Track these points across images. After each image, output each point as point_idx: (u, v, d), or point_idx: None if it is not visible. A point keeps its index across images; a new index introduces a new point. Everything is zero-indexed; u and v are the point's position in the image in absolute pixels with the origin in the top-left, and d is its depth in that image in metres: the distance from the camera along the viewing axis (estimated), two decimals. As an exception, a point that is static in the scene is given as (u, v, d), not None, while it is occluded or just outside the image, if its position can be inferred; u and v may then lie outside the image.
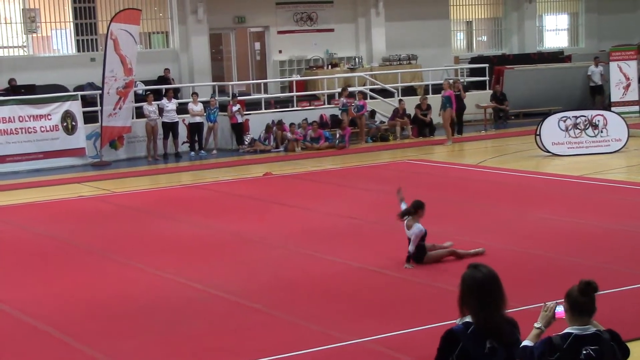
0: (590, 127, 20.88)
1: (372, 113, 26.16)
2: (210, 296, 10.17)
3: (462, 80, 28.62)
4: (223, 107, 24.86)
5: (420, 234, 11.04)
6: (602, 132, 20.87)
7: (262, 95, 26.79)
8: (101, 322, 9.41)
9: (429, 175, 18.88)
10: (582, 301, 4.83)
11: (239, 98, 24.95)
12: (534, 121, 23.28)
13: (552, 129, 20.89)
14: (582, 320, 4.85)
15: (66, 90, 24.69)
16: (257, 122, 24.83)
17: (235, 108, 24.25)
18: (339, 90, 26.15)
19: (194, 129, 24.21)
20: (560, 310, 4.95)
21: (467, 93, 27.21)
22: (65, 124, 22.74)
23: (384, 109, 26.76)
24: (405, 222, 11.24)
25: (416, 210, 11.17)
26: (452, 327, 4.75)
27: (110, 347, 8.61)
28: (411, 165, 20.48)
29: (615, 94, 27.87)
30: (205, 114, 24.28)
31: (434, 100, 25.55)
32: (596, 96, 29.59)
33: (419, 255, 11.14)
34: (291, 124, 24.49)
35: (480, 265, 4.76)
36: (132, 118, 23.82)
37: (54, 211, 16.49)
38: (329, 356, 8.13)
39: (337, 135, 24.58)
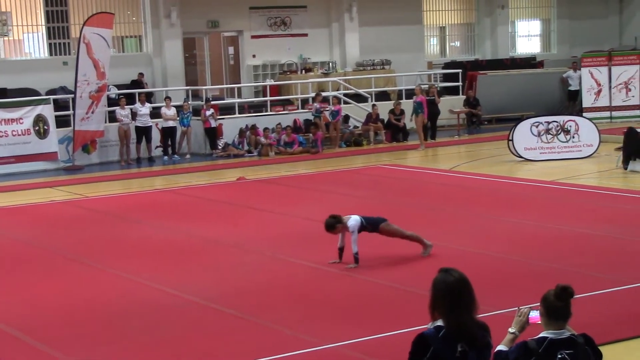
0: (562, 133, 21.03)
1: (346, 118, 26.18)
2: (184, 301, 10.14)
3: (435, 85, 28.68)
4: (196, 112, 24.80)
5: (352, 228, 11.14)
6: (573, 137, 21.01)
7: (236, 100, 26.75)
8: (75, 327, 9.35)
9: (402, 180, 18.93)
10: (558, 306, 4.86)
11: (212, 102, 24.89)
12: (507, 126, 23.40)
13: (524, 134, 21.02)
14: (558, 324, 4.87)
15: (38, 94, 24.54)
16: (231, 127, 24.80)
17: (208, 112, 24.20)
18: (313, 95, 26.17)
19: (167, 133, 24.14)
20: (533, 315, 4.97)
21: (440, 98, 27.29)
22: (37, 128, 22.60)
23: (357, 113, 26.80)
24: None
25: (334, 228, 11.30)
26: (423, 331, 4.76)
27: (85, 353, 8.56)
28: (384, 170, 20.53)
29: (587, 100, 28.09)
30: (178, 118, 24.21)
31: (408, 105, 25.63)
32: (570, 101, 29.83)
33: (374, 226, 11.35)
34: (265, 129, 24.47)
35: (451, 270, 4.79)
36: (105, 122, 23.72)
37: (26, 216, 16.38)
38: (302, 361, 8.13)
39: (310, 140, 24.59)
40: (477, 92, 28.96)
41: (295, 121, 25.46)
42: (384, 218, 11.58)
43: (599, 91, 27.94)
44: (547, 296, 4.91)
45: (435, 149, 24.44)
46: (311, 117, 25.44)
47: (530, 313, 4.98)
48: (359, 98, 27.64)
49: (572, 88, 29.82)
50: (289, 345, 8.47)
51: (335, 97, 26.28)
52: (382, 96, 28.77)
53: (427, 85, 26.74)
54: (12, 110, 22.40)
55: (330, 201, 16.41)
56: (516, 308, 5.14)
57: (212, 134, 24.52)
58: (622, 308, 9.30)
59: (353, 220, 11.23)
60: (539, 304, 4.95)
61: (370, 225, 11.39)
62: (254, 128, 24.58)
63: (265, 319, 9.31)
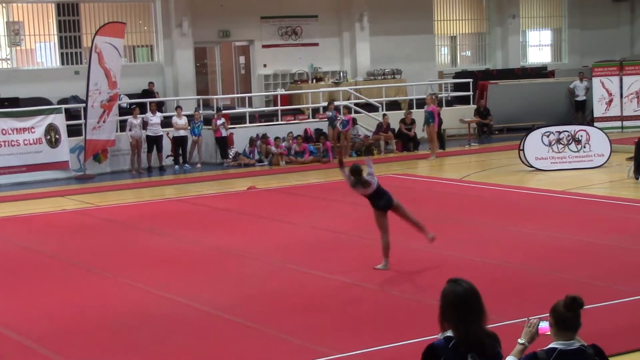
0: (573, 143, 20.99)
1: (354, 121, 26.00)
2: (193, 310, 10.15)
3: (440, 94, 28.61)
4: (207, 121, 24.86)
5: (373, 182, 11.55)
6: (585, 147, 20.97)
7: (247, 109, 26.81)
8: (85, 336, 9.36)
9: (413, 189, 18.89)
10: (567, 316, 4.84)
11: (223, 112, 24.96)
12: (518, 136, 23.37)
13: (535, 144, 20.99)
14: (567, 335, 4.86)
15: (50, 103, 24.63)
16: (242, 136, 24.84)
17: (219, 122, 24.26)
18: (324, 104, 26.19)
19: (178, 143, 24.20)
20: (543, 326, 4.95)
21: (451, 108, 27.31)
22: (48, 137, 22.66)
23: (368, 123, 26.81)
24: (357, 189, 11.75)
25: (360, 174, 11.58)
26: (433, 342, 4.76)
27: (93, 361, 8.58)
28: (395, 179, 20.48)
29: (598, 110, 28.04)
30: (189, 128, 24.27)
31: (418, 115, 25.63)
32: (579, 111, 29.77)
33: (386, 204, 11.66)
34: (276, 138, 24.50)
35: (460, 280, 4.79)
36: (116, 131, 23.79)
37: (37, 225, 16.43)
38: (312, 371, 8.13)
39: (321, 149, 24.61)
40: (488, 102, 28.94)
41: (306, 130, 25.49)
42: (391, 202, 11.73)
43: (610, 101, 27.90)
44: (557, 307, 4.89)
45: (446, 159, 24.40)
46: (321, 127, 25.44)
47: (540, 324, 4.96)
48: (369, 107, 27.66)
49: (578, 98, 29.75)
50: (299, 355, 8.47)
51: (345, 106, 26.30)
52: (393, 106, 28.80)
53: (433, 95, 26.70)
54: (23, 120, 22.46)
55: (340, 210, 16.42)
56: (525, 318, 5.12)
57: (223, 143, 24.56)
58: (632, 319, 9.26)
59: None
60: (548, 314, 4.93)
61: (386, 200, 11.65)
62: (264, 137, 24.61)
63: (275, 328, 9.30)
